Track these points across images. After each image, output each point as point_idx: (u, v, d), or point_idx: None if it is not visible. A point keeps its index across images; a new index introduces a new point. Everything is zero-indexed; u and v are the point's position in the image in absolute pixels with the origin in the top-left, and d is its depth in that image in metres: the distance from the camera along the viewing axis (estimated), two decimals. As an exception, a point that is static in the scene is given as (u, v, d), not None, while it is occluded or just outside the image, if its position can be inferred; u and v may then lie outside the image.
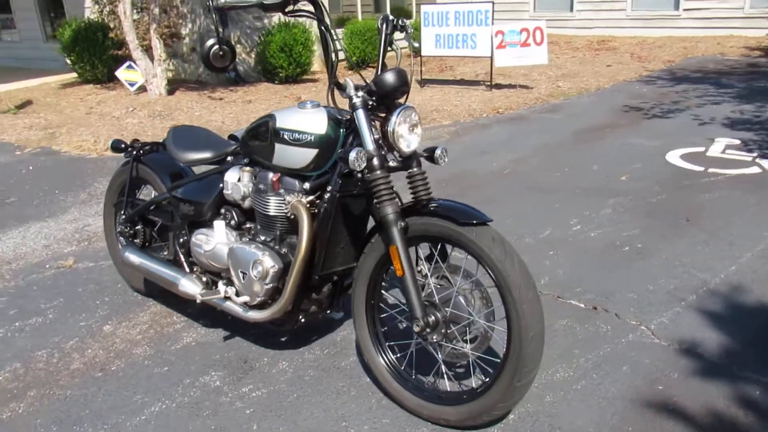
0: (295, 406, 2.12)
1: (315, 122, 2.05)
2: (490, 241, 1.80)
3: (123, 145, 2.79)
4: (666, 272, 2.92)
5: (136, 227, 2.82)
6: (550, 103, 7.14)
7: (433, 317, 1.91)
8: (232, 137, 2.58)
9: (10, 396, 2.26)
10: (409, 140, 1.99)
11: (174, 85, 8.15)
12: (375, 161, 1.93)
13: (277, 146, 2.13)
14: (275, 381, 2.26)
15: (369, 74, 7.68)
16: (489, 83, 8.01)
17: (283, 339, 2.53)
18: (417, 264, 2.07)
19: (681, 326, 2.47)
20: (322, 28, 2.01)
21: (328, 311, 2.35)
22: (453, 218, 1.85)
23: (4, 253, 3.57)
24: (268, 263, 2.15)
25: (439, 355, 2.01)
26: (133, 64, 7.39)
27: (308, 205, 2.10)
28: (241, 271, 2.23)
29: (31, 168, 5.24)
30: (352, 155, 1.84)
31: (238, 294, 2.28)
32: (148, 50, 7.40)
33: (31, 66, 10.46)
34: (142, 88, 7.59)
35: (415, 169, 2.07)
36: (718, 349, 2.32)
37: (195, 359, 2.43)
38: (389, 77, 1.96)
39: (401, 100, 2.05)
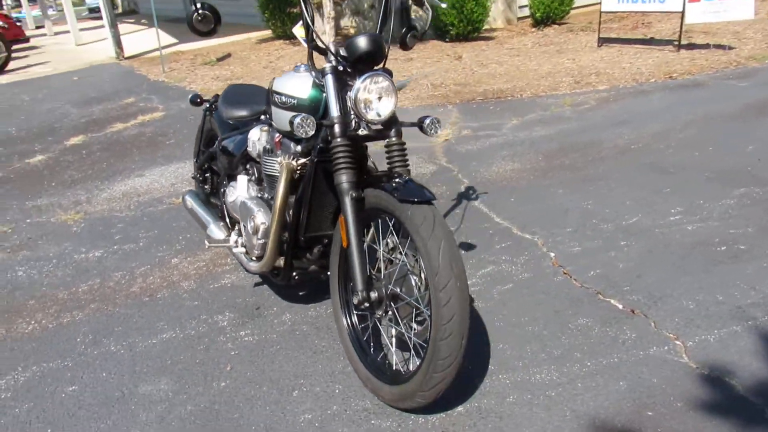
0: (272, 356, 2.23)
1: (299, 87, 2.07)
2: (421, 220, 1.68)
3: (198, 100, 3.07)
4: (753, 283, 2.40)
5: (205, 175, 3.11)
6: (747, 67, 6.03)
7: (375, 293, 1.86)
8: None
9: (78, 305, 2.71)
10: (377, 108, 1.91)
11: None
12: (336, 128, 1.90)
13: (273, 108, 2.19)
14: (270, 330, 2.39)
15: (552, 32, 7.27)
16: (677, 43, 7.01)
17: (301, 293, 2.64)
18: (385, 237, 2.00)
19: (726, 349, 2.05)
20: None
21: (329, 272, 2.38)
22: (395, 194, 1.76)
23: (140, 186, 4.19)
24: (259, 220, 2.26)
25: (391, 332, 1.95)
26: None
27: (298, 168, 2.13)
28: (243, 224, 2.38)
29: (191, 117, 5.97)
30: (296, 121, 1.83)
31: (244, 245, 2.44)
32: (319, 8, 7.82)
33: (244, 22, 11.68)
34: (316, 45, 8.07)
35: (393, 139, 1.98)
36: (760, 384, 1.89)
37: (222, 299, 2.66)
38: (357, 42, 1.89)
39: (380, 67, 1.96)
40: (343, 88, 1.92)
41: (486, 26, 9.17)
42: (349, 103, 1.90)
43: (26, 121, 6.38)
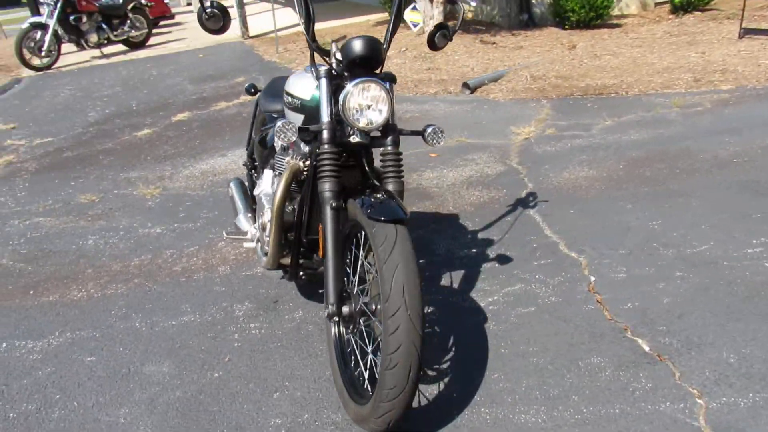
0: (269, 353, 2.26)
1: (305, 88, 2.04)
2: (382, 240, 1.59)
3: (253, 90, 3.14)
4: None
5: (254, 164, 3.19)
6: None
7: (347, 308, 1.80)
8: None
9: (124, 279, 2.92)
10: (369, 115, 1.83)
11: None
12: (324, 134, 1.85)
13: (285, 108, 2.18)
14: (278, 326, 2.42)
15: (691, 20, 6.73)
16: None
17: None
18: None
19: (756, 419, 1.75)
20: None
21: None
22: (366, 209, 1.68)
23: (218, 166, 4.40)
24: (267, 216, 2.27)
25: (368, 347, 1.89)
26: (417, 5, 7.78)
27: (304, 169, 2.11)
28: (258, 218, 2.41)
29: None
30: (278, 125, 1.80)
31: (259, 239, 2.47)
32: (429, -9, 7.69)
33: (370, 2, 11.78)
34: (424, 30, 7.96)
35: (388, 148, 1.90)
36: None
37: (247, 288, 2.73)
38: (351, 45, 1.82)
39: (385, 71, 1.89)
40: (337, 92, 1.86)
41: (617, 12, 8.51)
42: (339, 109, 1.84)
43: (147, 96, 6.93)
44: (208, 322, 2.49)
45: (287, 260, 2.26)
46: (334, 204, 1.80)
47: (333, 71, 1.87)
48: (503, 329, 2.25)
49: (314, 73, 1.94)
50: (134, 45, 10.40)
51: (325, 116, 1.85)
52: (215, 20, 2.07)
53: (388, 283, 1.54)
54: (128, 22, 10.01)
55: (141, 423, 1.96)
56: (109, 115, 6.26)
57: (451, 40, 2.26)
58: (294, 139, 1.82)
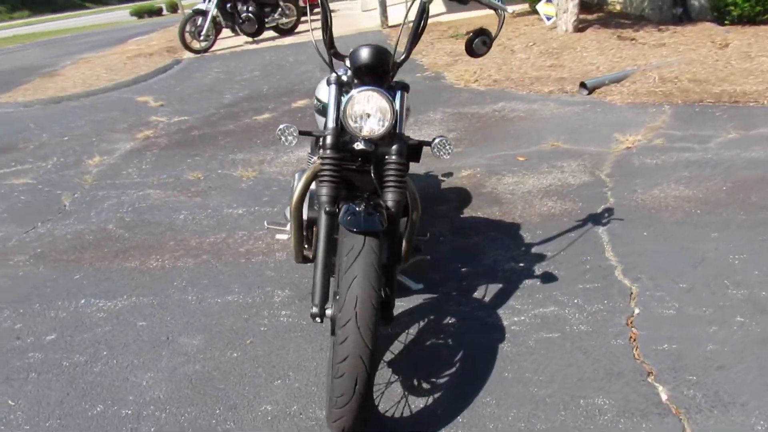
0: (287, 341, 2.38)
1: (326, 91, 2.09)
2: (347, 250, 1.62)
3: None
4: None
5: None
6: None
7: (330, 311, 1.84)
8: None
9: (196, 254, 3.20)
10: (370, 125, 1.84)
11: (590, 23, 7.82)
12: (327, 140, 1.90)
13: (314, 110, 2.26)
14: (305, 316, 2.52)
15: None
16: None
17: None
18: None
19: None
20: None
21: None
22: (344, 216, 1.71)
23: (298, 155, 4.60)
24: (289, 214, 2.37)
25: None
26: (552, -4, 7.44)
27: None
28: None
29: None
30: (280, 128, 1.87)
31: None
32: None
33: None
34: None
35: (392, 158, 1.90)
36: None
37: (293, 276, 2.87)
38: (358, 53, 1.85)
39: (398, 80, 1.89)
40: (337, 98, 1.89)
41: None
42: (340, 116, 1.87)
43: (278, 81, 7.40)
44: (248, 304, 2.66)
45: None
46: (328, 209, 1.83)
47: (343, 78, 1.89)
48: (516, 352, 2.15)
49: (327, 80, 1.98)
50: (283, 32, 11.07)
51: (330, 122, 1.89)
52: (250, 24, 2.17)
53: (344, 293, 1.56)
54: (279, 9, 10.66)
55: (157, 389, 2.16)
56: (241, 98, 6.78)
57: (489, 47, 2.17)
58: (294, 141, 1.88)
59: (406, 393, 2.01)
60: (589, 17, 8.26)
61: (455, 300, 2.50)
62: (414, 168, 3.75)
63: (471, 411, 1.90)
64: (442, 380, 2.05)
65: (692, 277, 2.48)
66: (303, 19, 10.60)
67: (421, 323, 2.38)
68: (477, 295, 2.53)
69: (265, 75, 7.87)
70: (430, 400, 1.97)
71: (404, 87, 1.92)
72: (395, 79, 1.97)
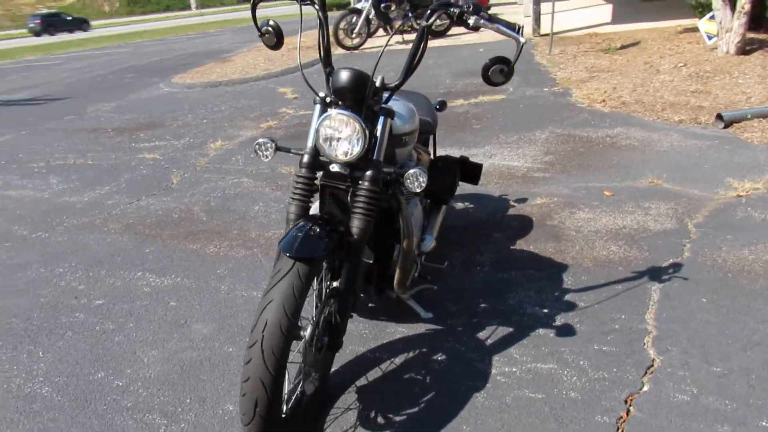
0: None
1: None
2: (275, 272, 1.64)
3: None
4: None
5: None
6: None
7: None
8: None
9: (250, 246, 3.39)
10: (342, 148, 1.84)
11: (760, 44, 6.84)
12: (304, 159, 1.92)
13: None
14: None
15: None
16: None
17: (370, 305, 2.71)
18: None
19: None
20: (316, 6, 1.97)
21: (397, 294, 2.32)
22: (282, 237, 1.72)
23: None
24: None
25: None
26: (714, 13, 6.63)
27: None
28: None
29: (521, 106, 5.95)
30: (257, 142, 1.92)
31: None
32: None
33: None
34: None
35: (364, 183, 1.88)
36: None
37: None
38: (336, 75, 1.84)
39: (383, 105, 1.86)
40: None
41: None
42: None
43: (408, 83, 7.46)
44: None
45: None
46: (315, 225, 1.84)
47: (327, 99, 1.89)
48: (488, 406, 2.01)
49: (314, 99, 1.99)
50: (434, 34, 11.15)
51: (309, 141, 1.90)
52: (269, 38, 2.21)
53: (257, 315, 1.57)
54: (433, 12, 10.73)
55: (152, 367, 2.35)
56: (365, 97, 6.96)
57: (507, 77, 2.03)
58: (269, 156, 1.92)
59: (357, 423, 1.97)
60: (760, 37, 7.24)
61: (456, 336, 2.39)
62: (489, 189, 3.62)
63: (407, 458, 1.81)
64: (398, 418, 1.98)
65: (735, 361, 2.11)
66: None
67: (410, 354, 2.30)
68: (482, 335, 2.39)
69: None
70: (390, 428, 1.91)
71: (388, 113, 1.87)
72: (387, 103, 1.91)
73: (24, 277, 3.19)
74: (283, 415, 1.81)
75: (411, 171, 1.83)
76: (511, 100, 6.15)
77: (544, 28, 9.97)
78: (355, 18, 10.29)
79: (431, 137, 3.06)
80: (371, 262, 2.22)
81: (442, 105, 3.18)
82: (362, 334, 2.46)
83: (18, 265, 3.34)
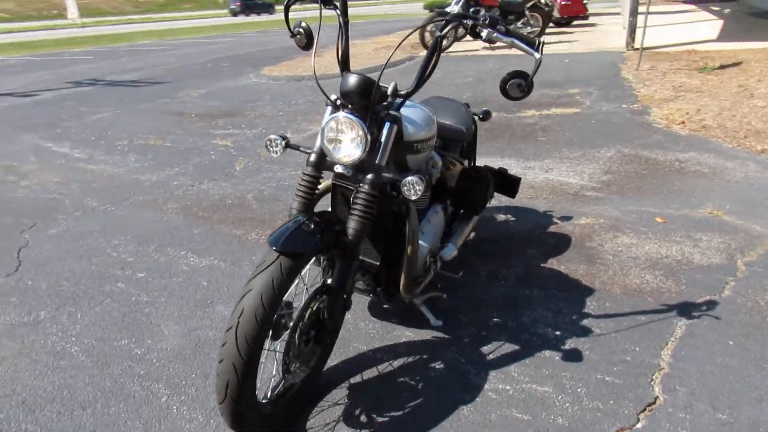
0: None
1: None
2: (260, 263, 1.72)
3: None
4: None
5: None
6: None
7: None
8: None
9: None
10: (343, 150, 1.90)
11: None
12: (311, 158, 2.00)
13: None
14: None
15: None
16: None
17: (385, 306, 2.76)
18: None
19: None
20: (338, 11, 2.02)
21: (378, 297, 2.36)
22: (278, 231, 1.80)
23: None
24: None
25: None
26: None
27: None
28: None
29: (593, 121, 5.73)
30: (268, 138, 2.01)
31: None
32: None
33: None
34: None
35: (362, 186, 1.93)
36: None
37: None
38: (344, 80, 1.90)
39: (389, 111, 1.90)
40: None
41: None
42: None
43: (482, 90, 7.42)
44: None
45: None
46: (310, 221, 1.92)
47: (338, 102, 1.95)
48: (472, 421, 2.00)
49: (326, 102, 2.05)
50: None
51: (318, 141, 1.97)
52: (300, 38, 2.27)
53: (237, 301, 1.66)
54: (523, 19, 10.57)
55: (170, 341, 2.51)
56: (438, 101, 6.97)
57: (526, 93, 2.02)
58: (279, 153, 2.00)
59: (341, 419, 2.02)
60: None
61: (459, 347, 2.39)
62: (535, 204, 3.56)
63: (378, 459, 1.84)
64: (380, 420, 2.02)
65: (744, 411, 1.99)
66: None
67: (409, 359, 2.33)
68: (485, 349, 2.38)
69: (476, 83, 7.94)
70: (369, 428, 1.96)
71: (395, 120, 1.90)
72: (394, 110, 1.95)
73: (84, 245, 3.47)
74: (264, 400, 1.90)
75: (408, 178, 1.85)
76: (585, 115, 5.96)
77: (639, 42, 9.56)
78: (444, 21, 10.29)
79: (465, 146, 3.06)
80: (377, 264, 2.26)
81: (486, 114, 3.16)
82: (369, 334, 2.50)
83: (81, 234, 3.65)
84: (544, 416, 2.00)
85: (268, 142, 2.03)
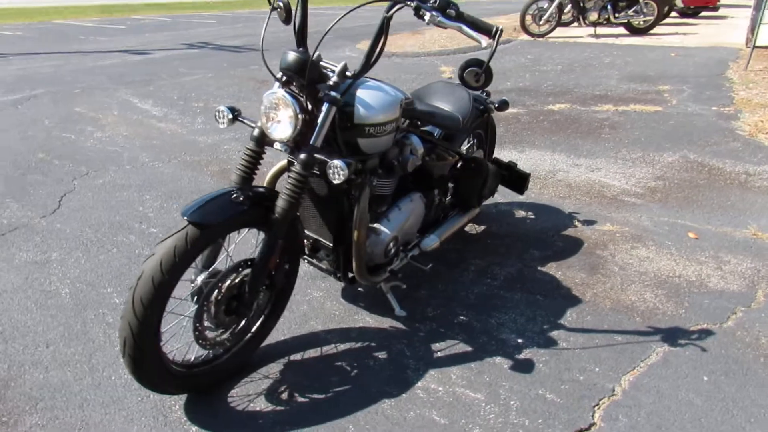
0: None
1: None
2: (174, 228, 1.78)
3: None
4: None
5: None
6: None
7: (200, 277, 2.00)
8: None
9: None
10: (278, 127, 1.91)
11: None
12: (254, 132, 2.02)
13: None
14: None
15: None
16: None
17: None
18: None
19: None
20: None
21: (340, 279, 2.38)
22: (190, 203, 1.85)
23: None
24: None
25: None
26: None
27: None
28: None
29: (671, 122, 5.30)
30: (219, 109, 2.04)
31: None
32: None
33: None
34: None
35: (296, 167, 1.93)
36: None
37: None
38: (283, 56, 1.89)
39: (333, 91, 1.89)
40: None
41: None
42: (265, 113, 1.95)
43: (567, 81, 7.05)
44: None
45: None
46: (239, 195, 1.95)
47: (283, 78, 1.95)
48: (387, 416, 1.97)
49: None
50: (635, 30, 10.24)
51: (261, 118, 1.99)
52: (281, 12, 2.15)
53: (140, 269, 1.73)
54: (636, 6, 9.86)
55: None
56: (517, 88, 6.74)
57: (483, 83, 1.92)
58: (225, 124, 2.03)
59: (263, 392, 2.06)
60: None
61: (411, 341, 2.34)
62: (562, 204, 3.37)
63: (278, 436, 1.87)
64: (300, 399, 2.03)
65: (683, 455, 1.80)
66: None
67: (356, 344, 2.32)
68: (437, 346, 2.32)
69: (564, 71, 7.56)
70: (273, 411, 1.99)
71: (333, 101, 1.87)
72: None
73: (119, 197, 3.74)
74: (180, 365, 1.96)
75: (333, 161, 1.82)
76: (665, 114, 5.50)
77: (763, 40, 8.60)
78: (546, 4, 9.83)
79: (483, 136, 2.97)
80: (330, 245, 2.25)
81: (502, 104, 3.02)
82: (330, 314, 2.51)
83: (121, 186, 3.93)
84: (462, 423, 1.92)
85: (216, 113, 2.06)
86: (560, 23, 10.07)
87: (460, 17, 1.84)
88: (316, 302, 2.59)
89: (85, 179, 4.04)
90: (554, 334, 2.37)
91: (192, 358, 2.04)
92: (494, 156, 3.39)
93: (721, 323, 2.43)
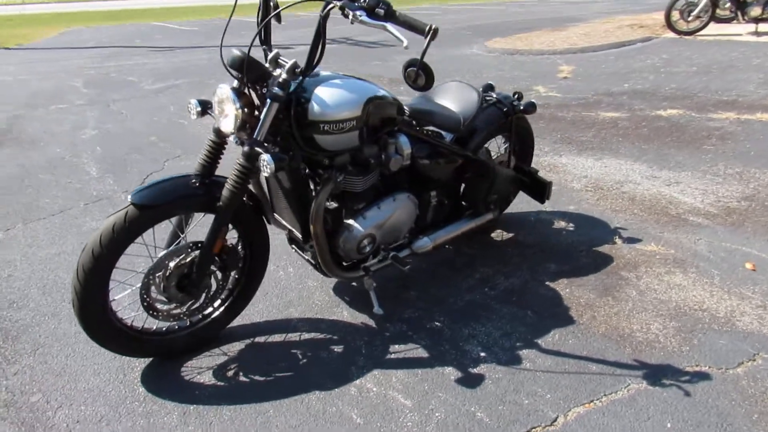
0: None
1: None
2: (119, 209, 1.98)
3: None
4: None
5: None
6: None
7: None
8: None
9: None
10: (221, 121, 2.04)
11: None
12: (215, 124, 2.17)
13: None
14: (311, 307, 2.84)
15: None
16: None
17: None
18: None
19: None
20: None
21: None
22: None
23: (563, 163, 4.21)
24: None
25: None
26: None
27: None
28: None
29: None
30: (191, 102, 2.20)
31: None
32: None
33: None
34: None
35: (239, 159, 2.04)
36: None
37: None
38: (228, 54, 2.00)
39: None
40: None
41: None
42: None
43: (695, 83, 6.38)
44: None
45: None
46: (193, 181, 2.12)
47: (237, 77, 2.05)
48: (311, 408, 2.01)
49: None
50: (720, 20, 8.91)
51: (214, 111, 2.12)
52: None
53: (89, 239, 1.95)
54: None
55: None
56: (631, 91, 6.26)
57: (423, 85, 1.90)
58: (194, 117, 2.19)
59: (214, 368, 2.21)
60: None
61: (371, 340, 2.35)
62: (613, 218, 3.15)
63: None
64: (242, 379, 2.14)
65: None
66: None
67: (320, 335, 2.38)
68: (395, 347, 2.30)
69: (696, 73, 6.83)
70: (213, 385, 2.12)
71: (274, 97, 1.94)
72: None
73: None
74: (136, 330, 2.16)
75: (262, 155, 1.89)
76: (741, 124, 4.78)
77: None
78: (697, -1, 8.90)
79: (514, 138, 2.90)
80: (301, 237, 2.33)
81: (530, 107, 2.88)
82: (312, 305, 2.59)
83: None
84: (376, 425, 1.91)
85: (189, 105, 2.22)
86: (715, 19, 9.03)
87: (391, 17, 1.81)
88: (307, 291, 2.68)
89: (175, 161, 4.49)
90: (523, 352, 2.23)
91: (154, 328, 2.23)
92: (531, 161, 3.22)
93: (726, 368, 2.11)
